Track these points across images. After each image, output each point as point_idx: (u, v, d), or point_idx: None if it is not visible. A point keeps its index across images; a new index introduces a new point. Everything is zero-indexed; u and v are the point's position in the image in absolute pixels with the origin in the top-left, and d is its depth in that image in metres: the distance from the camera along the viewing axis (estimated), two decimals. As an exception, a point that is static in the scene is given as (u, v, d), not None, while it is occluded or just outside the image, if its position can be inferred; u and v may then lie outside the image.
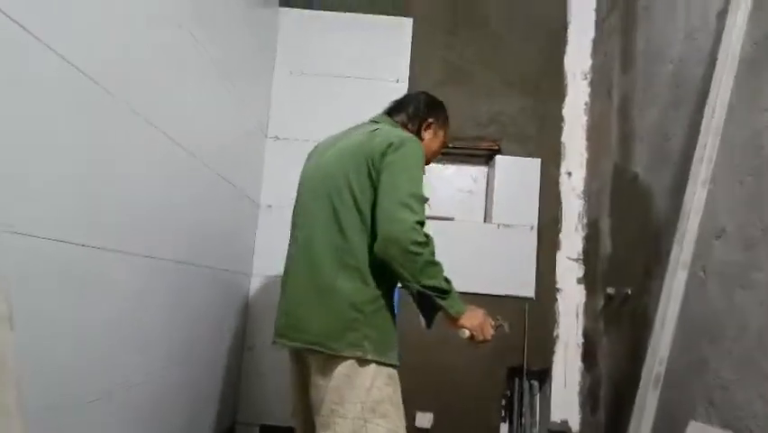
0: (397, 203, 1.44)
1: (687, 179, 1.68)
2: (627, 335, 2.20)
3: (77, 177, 1.21)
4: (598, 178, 2.63)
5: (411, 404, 2.54)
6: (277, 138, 2.79)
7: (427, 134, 1.75)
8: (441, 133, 1.79)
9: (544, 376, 2.71)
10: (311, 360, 1.55)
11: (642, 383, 1.40)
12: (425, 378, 2.59)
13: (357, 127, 1.73)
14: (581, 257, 2.73)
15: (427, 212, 1.57)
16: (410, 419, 2.56)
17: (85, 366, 1.28)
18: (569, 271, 2.73)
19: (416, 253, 1.42)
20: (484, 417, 2.67)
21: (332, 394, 1.49)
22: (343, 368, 1.49)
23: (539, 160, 2.77)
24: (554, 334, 2.69)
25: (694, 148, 1.68)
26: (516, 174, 2.76)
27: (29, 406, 1.07)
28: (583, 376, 2.64)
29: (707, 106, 1.61)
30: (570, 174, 2.79)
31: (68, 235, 1.18)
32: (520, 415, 2.69)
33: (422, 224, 1.44)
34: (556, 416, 2.65)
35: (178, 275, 1.80)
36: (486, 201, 2.85)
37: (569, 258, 2.74)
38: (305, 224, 1.61)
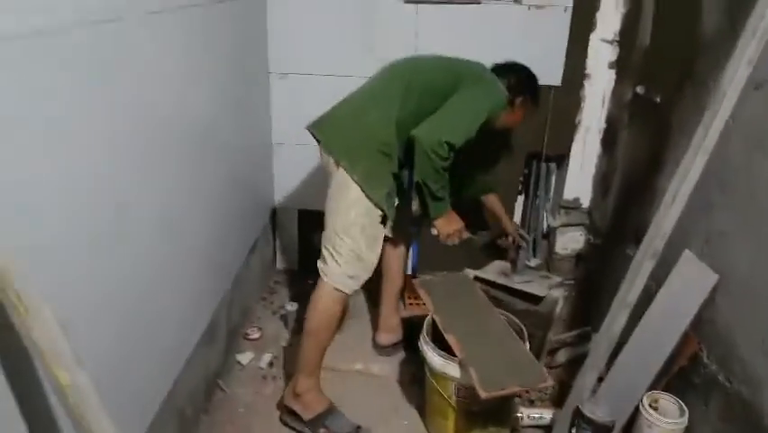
0: (447, 121, 1.75)
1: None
2: (649, 140, 2.20)
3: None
4: (651, -53, 2.24)
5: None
6: None
7: (517, 108, 2.06)
8: (523, 110, 2.09)
9: (561, 160, 2.81)
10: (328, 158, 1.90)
11: (639, 253, 1.50)
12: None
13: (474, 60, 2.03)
14: (617, 38, 2.52)
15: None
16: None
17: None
18: (601, 55, 2.55)
19: (431, 159, 1.72)
20: (503, 193, 2.87)
21: (330, 198, 1.87)
22: (340, 176, 1.82)
23: None
24: (577, 120, 2.68)
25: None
26: (555, -59, 2.36)
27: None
28: (600, 160, 2.72)
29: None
30: (618, -63, 2.37)
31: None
32: (536, 190, 2.89)
33: (452, 147, 1.72)
34: (569, 194, 2.83)
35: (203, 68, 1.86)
36: (517, -23, 2.51)
37: (603, 40, 2.53)
38: (378, 84, 1.94)
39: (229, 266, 2.23)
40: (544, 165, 2.81)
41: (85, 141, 1.16)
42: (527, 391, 2.02)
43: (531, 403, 2.04)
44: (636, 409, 1.74)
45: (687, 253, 1.79)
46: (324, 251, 1.88)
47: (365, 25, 2.51)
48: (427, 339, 1.81)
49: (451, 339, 1.72)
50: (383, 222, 1.88)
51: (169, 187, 1.60)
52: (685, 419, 1.67)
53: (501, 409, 1.80)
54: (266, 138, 2.70)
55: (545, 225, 2.94)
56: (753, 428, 1.46)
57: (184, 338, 1.80)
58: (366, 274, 1.90)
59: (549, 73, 2.55)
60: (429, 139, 1.70)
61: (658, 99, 2.11)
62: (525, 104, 2.08)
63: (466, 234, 1.97)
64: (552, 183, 2.89)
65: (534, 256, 2.92)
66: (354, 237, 1.82)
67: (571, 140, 2.72)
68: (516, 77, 2.05)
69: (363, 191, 1.80)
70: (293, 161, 2.76)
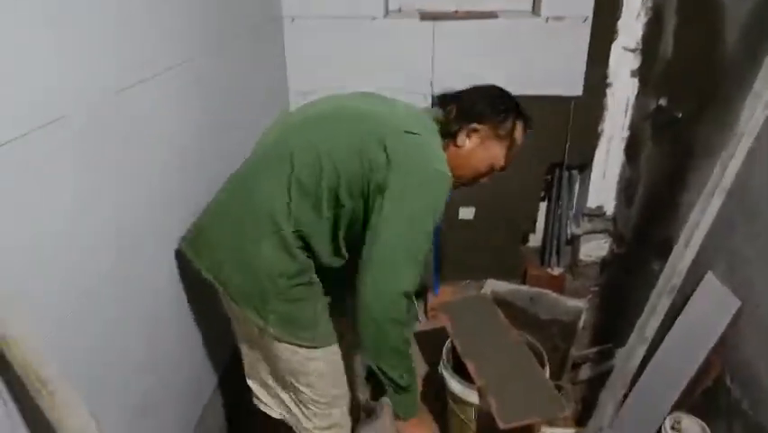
0: (390, 264, 1.19)
1: None
2: (671, 154, 2.17)
3: None
4: (673, -45, 2.19)
5: (454, 201, 2.77)
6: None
7: (469, 142, 1.39)
8: (495, 147, 1.40)
9: (584, 168, 2.78)
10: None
11: (657, 289, 1.50)
12: (467, 177, 2.72)
13: (394, 104, 1.42)
14: (639, 47, 2.47)
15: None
16: (454, 213, 2.82)
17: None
18: (623, 63, 2.50)
19: (386, 333, 1.22)
20: (524, 204, 2.86)
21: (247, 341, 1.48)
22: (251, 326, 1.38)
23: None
24: (599, 129, 2.64)
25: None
26: (573, -50, 2.33)
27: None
28: (624, 169, 2.69)
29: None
30: (638, -56, 2.32)
31: None
32: (558, 198, 2.87)
33: (409, 295, 1.22)
34: (593, 202, 2.81)
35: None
36: (535, -12, 2.49)
37: (625, 48, 2.48)
38: (260, 165, 1.37)
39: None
40: (566, 173, 2.79)
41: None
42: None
43: (553, 422, 2.06)
44: (659, 431, 1.74)
45: (709, 276, 1.77)
46: (283, 394, 1.51)
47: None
48: (447, 364, 1.84)
49: (470, 365, 1.75)
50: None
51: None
52: (708, 443, 1.68)
53: (522, 431, 1.82)
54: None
55: (568, 233, 2.92)
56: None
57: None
58: (345, 417, 1.51)
59: (570, 83, 2.53)
60: (380, 305, 1.20)
61: (680, 115, 2.08)
62: (487, 133, 1.41)
63: None
64: (575, 191, 2.87)
65: (558, 264, 2.92)
66: (310, 384, 1.43)
67: (593, 148, 2.69)
68: (469, 101, 1.42)
69: (286, 342, 1.37)
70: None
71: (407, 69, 2.50)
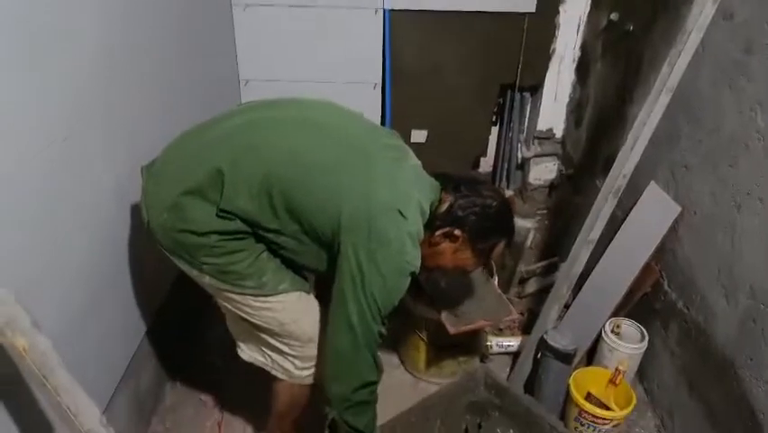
0: (347, 364, 1.19)
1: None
2: (620, 70, 2.17)
3: None
4: None
5: (406, 123, 2.72)
6: None
7: (443, 244, 1.30)
8: (467, 257, 1.33)
9: (535, 90, 2.76)
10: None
11: (602, 192, 1.51)
12: (419, 100, 2.66)
13: (406, 156, 1.30)
14: (593, -40, 2.43)
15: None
16: (407, 136, 2.77)
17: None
18: (577, -22, 2.47)
19: (355, 413, 1.23)
20: (476, 127, 2.84)
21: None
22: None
23: None
24: (551, 48, 2.62)
25: None
26: None
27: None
28: (574, 90, 2.69)
29: None
30: None
31: None
32: (509, 121, 2.86)
33: (371, 382, 1.22)
34: (543, 124, 2.82)
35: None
36: None
37: (579, -38, 2.44)
38: (222, 141, 1.23)
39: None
40: (518, 95, 2.77)
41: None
42: (498, 327, 2.09)
43: (500, 331, 2.12)
44: (600, 335, 1.81)
45: (652, 185, 1.81)
46: (253, 339, 1.42)
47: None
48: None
49: (421, 278, 1.75)
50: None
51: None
52: (645, 344, 1.76)
53: (470, 341, 1.87)
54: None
55: (519, 156, 2.94)
56: (706, 354, 1.54)
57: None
58: (312, 351, 1.37)
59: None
60: (343, 404, 1.22)
61: (631, 27, 2.06)
62: (465, 243, 1.31)
63: None
64: (526, 113, 2.86)
65: (508, 187, 2.94)
66: (276, 333, 1.35)
67: (545, 69, 2.67)
68: (462, 207, 1.28)
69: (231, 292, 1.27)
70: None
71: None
